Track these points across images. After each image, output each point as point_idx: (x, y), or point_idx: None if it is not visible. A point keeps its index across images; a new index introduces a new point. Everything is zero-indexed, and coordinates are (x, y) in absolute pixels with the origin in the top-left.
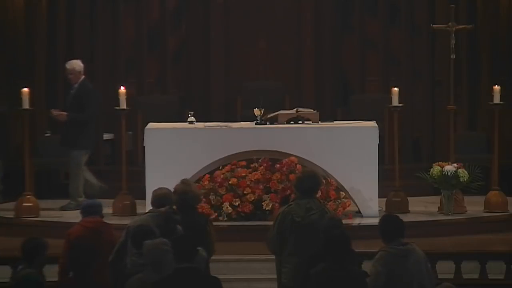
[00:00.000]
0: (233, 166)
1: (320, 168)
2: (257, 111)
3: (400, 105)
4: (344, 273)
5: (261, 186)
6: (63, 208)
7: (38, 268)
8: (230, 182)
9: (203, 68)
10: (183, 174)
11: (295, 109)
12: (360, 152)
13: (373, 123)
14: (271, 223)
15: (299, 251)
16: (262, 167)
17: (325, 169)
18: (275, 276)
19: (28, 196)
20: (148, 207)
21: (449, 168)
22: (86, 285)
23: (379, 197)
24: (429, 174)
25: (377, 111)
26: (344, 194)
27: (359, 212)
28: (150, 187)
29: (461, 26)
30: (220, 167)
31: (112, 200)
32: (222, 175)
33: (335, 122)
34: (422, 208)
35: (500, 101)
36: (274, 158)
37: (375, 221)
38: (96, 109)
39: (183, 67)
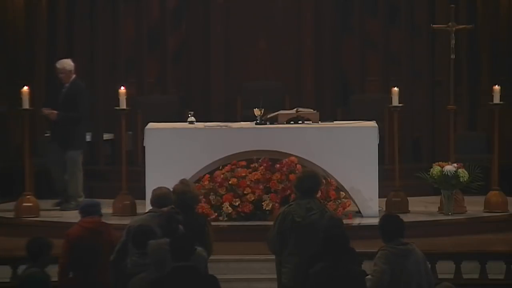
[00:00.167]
0: (233, 166)
1: (320, 168)
2: (257, 111)
3: (400, 105)
4: (343, 272)
5: (261, 186)
6: (63, 208)
7: (42, 267)
8: (230, 182)
9: (203, 68)
10: (183, 174)
11: (295, 109)
12: (360, 152)
13: (373, 123)
14: (271, 223)
15: (299, 251)
16: (262, 167)
17: (325, 169)
18: (275, 276)
19: (28, 196)
20: (148, 207)
21: (449, 168)
22: (87, 285)
23: (379, 197)
24: (429, 174)
25: (377, 111)
26: (344, 194)
27: (359, 212)
28: (150, 187)
29: (461, 26)
30: (220, 167)
31: (112, 200)
32: (222, 175)
33: (335, 122)
34: (422, 208)
35: (500, 101)
36: (274, 158)
37: (375, 221)
38: (87, 108)
39: (183, 67)
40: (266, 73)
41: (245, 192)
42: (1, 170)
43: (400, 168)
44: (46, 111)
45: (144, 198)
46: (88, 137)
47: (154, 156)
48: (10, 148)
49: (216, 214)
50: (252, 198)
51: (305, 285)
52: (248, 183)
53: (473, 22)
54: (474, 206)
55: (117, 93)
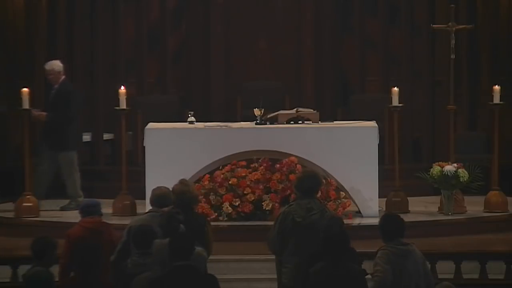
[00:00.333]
0: (233, 166)
1: (320, 168)
2: (257, 111)
3: (400, 105)
4: (343, 272)
5: (261, 186)
6: (63, 208)
7: (47, 266)
8: (230, 182)
9: (203, 68)
10: (183, 174)
11: (295, 109)
12: (360, 152)
13: (373, 123)
14: (271, 223)
15: (299, 251)
16: (262, 167)
17: (325, 169)
18: (275, 276)
19: (28, 196)
20: (148, 207)
21: (449, 168)
22: (88, 285)
23: (379, 197)
24: (429, 174)
25: (377, 111)
26: (344, 194)
27: (359, 212)
28: (150, 187)
29: (461, 26)
30: (220, 167)
31: (112, 200)
32: (222, 175)
33: (335, 122)
34: (422, 208)
35: (500, 101)
36: (274, 158)
37: (375, 221)
38: (77, 110)
39: (183, 67)
40: (266, 73)
41: (245, 192)
42: (1, 170)
43: (400, 168)
44: (36, 112)
45: (144, 198)
46: (88, 137)
47: (154, 156)
48: (10, 148)
49: (216, 214)
50: (252, 198)
51: (305, 285)
52: (248, 183)
53: (473, 22)
54: (474, 206)
55: (117, 93)
